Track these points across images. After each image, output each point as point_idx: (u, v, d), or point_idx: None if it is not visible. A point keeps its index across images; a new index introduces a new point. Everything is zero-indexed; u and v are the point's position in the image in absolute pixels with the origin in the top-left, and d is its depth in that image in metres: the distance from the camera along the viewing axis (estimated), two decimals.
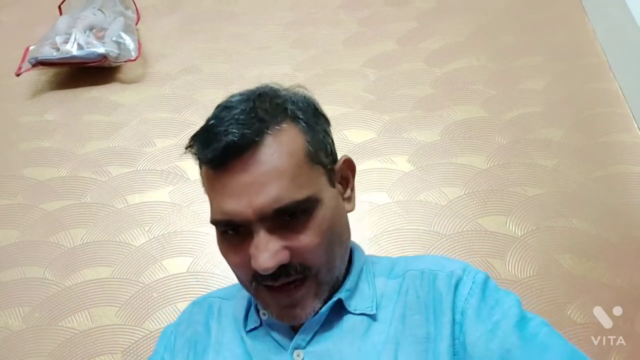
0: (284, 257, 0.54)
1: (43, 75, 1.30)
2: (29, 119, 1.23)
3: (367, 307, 0.60)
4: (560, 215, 0.98)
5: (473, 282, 0.58)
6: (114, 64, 1.25)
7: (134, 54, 1.24)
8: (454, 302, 0.57)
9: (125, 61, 1.25)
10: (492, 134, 1.09)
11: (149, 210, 1.06)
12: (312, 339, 0.59)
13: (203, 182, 0.60)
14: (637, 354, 0.82)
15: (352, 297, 0.61)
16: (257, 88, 0.61)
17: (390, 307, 0.60)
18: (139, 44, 1.28)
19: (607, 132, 1.08)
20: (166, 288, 0.96)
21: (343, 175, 0.63)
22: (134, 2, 1.37)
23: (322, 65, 1.25)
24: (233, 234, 0.57)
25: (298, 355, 0.58)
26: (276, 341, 0.60)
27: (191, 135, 0.58)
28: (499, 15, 1.30)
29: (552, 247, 0.94)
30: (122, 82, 1.28)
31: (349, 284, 0.61)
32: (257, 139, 0.55)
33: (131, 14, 1.35)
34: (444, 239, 0.96)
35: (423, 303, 0.59)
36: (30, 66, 1.22)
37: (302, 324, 0.59)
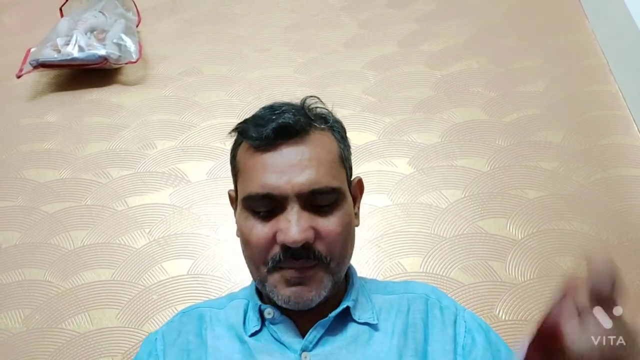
0: (310, 235, 0.59)
1: (44, 77, 1.30)
2: (30, 120, 1.23)
3: (370, 318, 0.64)
4: (560, 218, 0.98)
5: (465, 322, 0.66)
6: (115, 66, 1.26)
7: (134, 56, 1.25)
8: (455, 335, 0.64)
9: (126, 63, 1.25)
10: (492, 137, 1.10)
11: (150, 212, 1.06)
12: (317, 342, 0.61)
13: (238, 164, 0.65)
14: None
15: (356, 307, 0.65)
16: (301, 100, 0.69)
17: (390, 321, 0.65)
18: (140, 46, 1.28)
19: (607, 135, 1.08)
20: (166, 290, 0.96)
21: (353, 193, 0.69)
22: (134, 4, 1.37)
23: (323, 67, 1.26)
24: (263, 211, 0.61)
25: (305, 358, 0.60)
26: (281, 343, 0.61)
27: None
28: (499, 17, 1.31)
29: (552, 250, 0.94)
30: (123, 84, 1.28)
31: (353, 294, 0.65)
32: (307, 128, 0.63)
33: (132, 16, 1.35)
34: (444, 242, 0.96)
35: (425, 325, 0.64)
36: (31, 68, 1.22)
37: (307, 328, 0.61)
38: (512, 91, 1.17)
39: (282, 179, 0.60)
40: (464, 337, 0.64)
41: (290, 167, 0.61)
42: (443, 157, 1.08)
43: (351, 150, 0.71)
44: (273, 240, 0.60)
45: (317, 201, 0.61)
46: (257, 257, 0.61)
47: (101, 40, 1.25)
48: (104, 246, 1.02)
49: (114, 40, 1.25)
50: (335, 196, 0.62)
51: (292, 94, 1.20)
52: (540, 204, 1.00)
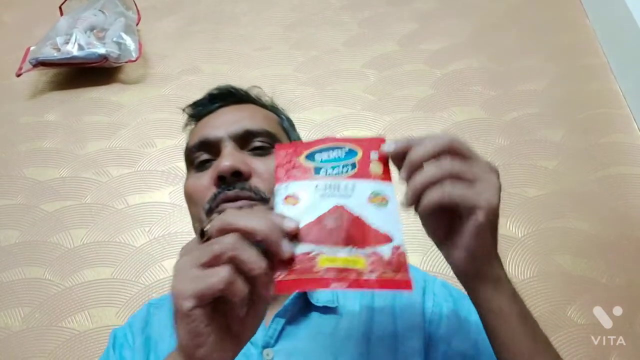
0: (243, 166, 0.59)
1: (43, 75, 1.30)
2: (30, 119, 1.23)
3: (329, 300, 0.61)
4: (560, 216, 0.98)
5: (434, 294, 0.63)
6: (114, 65, 1.25)
7: (134, 55, 1.24)
8: (423, 308, 0.61)
9: (126, 62, 1.25)
10: (492, 135, 1.09)
11: (150, 210, 1.06)
12: (279, 336, 0.58)
13: (187, 146, 0.68)
14: (637, 354, 0.82)
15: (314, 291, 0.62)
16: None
17: (356, 306, 0.62)
18: (140, 44, 1.28)
19: (607, 133, 1.08)
20: (166, 289, 0.96)
21: None
22: (134, 3, 1.37)
23: (323, 66, 1.25)
24: (201, 161, 0.63)
25: (267, 355, 0.57)
26: None
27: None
28: (499, 16, 1.30)
29: (552, 248, 0.94)
30: (123, 82, 1.28)
31: None
32: (245, 98, 0.71)
33: (132, 14, 1.35)
34: None
35: (390, 305, 0.61)
36: (31, 66, 1.22)
37: (271, 315, 0.58)
38: (512, 90, 1.16)
39: (219, 129, 0.63)
40: (432, 310, 0.62)
41: (226, 122, 0.64)
42: None
43: None
44: (211, 185, 0.60)
45: (254, 144, 0.63)
46: (198, 206, 0.61)
47: (101, 39, 1.25)
48: (104, 244, 1.02)
49: (114, 39, 1.24)
50: (272, 140, 0.64)
51: (292, 93, 1.21)
52: (540, 202, 1.00)
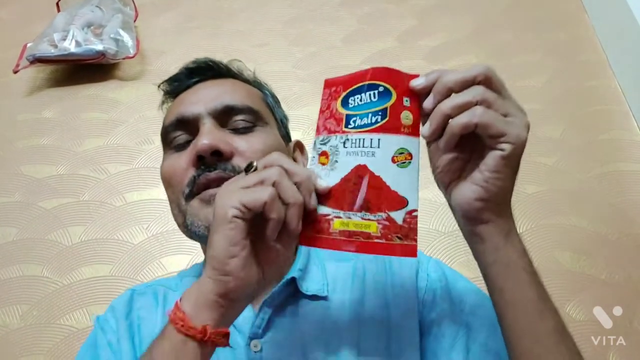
0: (224, 145, 0.55)
1: (41, 72, 1.29)
2: (27, 116, 1.23)
3: (319, 289, 0.58)
4: (559, 213, 0.98)
5: (428, 275, 0.61)
6: (112, 61, 1.25)
7: (132, 51, 1.24)
8: (416, 290, 0.59)
9: (124, 58, 1.24)
10: None
11: (148, 207, 1.06)
12: (268, 325, 0.56)
13: (163, 125, 0.63)
14: (637, 354, 0.82)
15: (304, 278, 0.59)
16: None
17: (346, 292, 0.59)
18: (137, 41, 1.28)
19: (606, 130, 1.08)
20: None
21: (294, 156, 0.67)
22: None
23: (322, 62, 1.25)
24: (180, 142, 0.59)
25: (255, 346, 0.55)
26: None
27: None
28: (498, 12, 1.30)
29: (551, 245, 0.94)
30: (120, 79, 1.27)
31: (299, 263, 0.60)
32: (224, 73, 0.65)
33: (129, 10, 1.35)
34: (443, 237, 0.96)
35: (382, 288, 0.59)
36: (28, 63, 1.21)
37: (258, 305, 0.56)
38: (511, 86, 1.13)
39: (196, 106, 0.59)
40: (425, 292, 0.59)
41: (204, 98, 0.60)
42: None
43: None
44: (189, 166, 0.56)
45: (235, 122, 0.58)
46: (176, 190, 0.57)
47: (98, 36, 1.24)
48: (102, 242, 1.02)
49: (111, 35, 1.24)
50: (255, 117, 0.59)
51: (290, 89, 1.20)
52: (539, 198, 0.99)
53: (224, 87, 0.62)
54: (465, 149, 0.45)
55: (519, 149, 0.43)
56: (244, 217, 0.42)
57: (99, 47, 1.21)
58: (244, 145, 0.57)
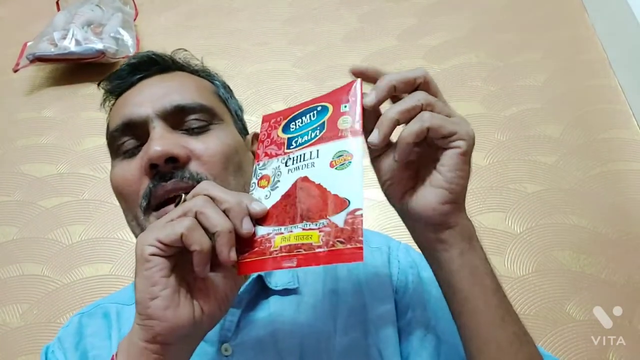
0: (178, 150, 0.51)
1: (41, 71, 1.29)
2: (27, 115, 1.23)
3: (289, 282, 0.56)
4: (559, 212, 0.98)
5: (399, 262, 0.59)
6: (112, 60, 1.25)
7: (132, 50, 1.24)
8: (390, 276, 0.58)
9: (124, 57, 1.24)
10: (491, 131, 1.09)
11: None
12: (237, 327, 0.53)
13: (108, 129, 0.59)
14: (637, 354, 0.82)
15: (271, 273, 0.56)
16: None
17: (319, 282, 0.57)
18: (137, 39, 1.28)
19: (606, 129, 1.08)
20: None
21: (254, 149, 0.62)
22: None
23: (322, 61, 1.25)
24: (128, 148, 0.54)
25: (226, 350, 0.52)
26: None
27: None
28: (498, 11, 1.30)
29: (551, 244, 0.94)
30: None
31: None
32: (170, 65, 0.60)
33: (129, 9, 1.35)
34: None
35: (355, 276, 0.57)
36: (28, 62, 1.21)
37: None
38: (511, 85, 1.16)
39: (143, 107, 0.54)
40: (398, 278, 0.58)
41: (150, 96, 0.54)
42: None
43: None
44: (142, 176, 0.52)
45: (188, 123, 0.54)
46: (131, 201, 0.54)
47: (98, 34, 1.25)
48: (102, 241, 1.02)
49: (111, 34, 1.24)
50: (209, 116, 0.55)
51: (290, 88, 1.20)
52: (539, 198, 0.99)
53: (172, 83, 0.57)
54: (413, 156, 0.44)
55: (472, 144, 0.42)
56: (163, 254, 0.39)
57: (99, 46, 1.21)
58: (201, 148, 0.53)
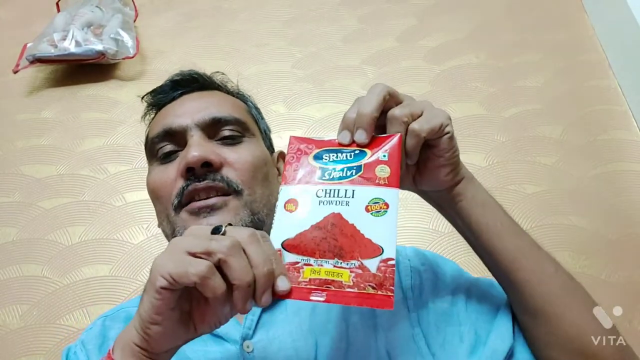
0: (214, 156, 0.56)
1: (41, 72, 1.29)
2: (27, 116, 1.23)
3: None
4: (559, 213, 0.98)
5: (409, 260, 0.62)
6: (112, 61, 1.25)
7: (132, 51, 1.24)
8: (401, 286, 0.60)
9: (123, 58, 1.24)
10: (491, 132, 1.09)
11: (148, 207, 1.05)
12: (257, 325, 0.56)
13: (147, 137, 0.66)
14: (638, 354, 0.82)
15: None
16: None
17: None
18: (137, 41, 1.28)
19: (606, 130, 1.08)
20: None
21: (277, 165, 0.68)
22: None
23: (322, 62, 1.25)
24: (166, 153, 0.60)
25: (248, 347, 0.54)
26: (217, 335, 0.56)
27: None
28: (498, 12, 1.30)
29: (550, 245, 0.94)
30: (120, 79, 1.27)
31: None
32: (209, 84, 0.67)
33: (129, 10, 1.35)
34: (443, 237, 0.96)
35: None
36: (28, 63, 1.21)
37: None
38: (511, 86, 1.16)
39: (183, 117, 0.60)
40: (411, 277, 0.60)
41: (190, 109, 0.60)
42: None
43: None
44: (178, 178, 0.57)
45: (223, 133, 0.59)
46: (164, 201, 0.57)
47: (98, 35, 1.25)
48: (102, 242, 1.02)
49: (111, 35, 1.24)
50: (242, 128, 0.61)
51: (290, 89, 1.20)
52: (538, 199, 0.99)
53: (210, 99, 0.63)
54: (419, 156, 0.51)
55: (451, 124, 0.50)
56: (172, 288, 0.39)
57: (99, 47, 1.21)
58: (233, 156, 0.58)
